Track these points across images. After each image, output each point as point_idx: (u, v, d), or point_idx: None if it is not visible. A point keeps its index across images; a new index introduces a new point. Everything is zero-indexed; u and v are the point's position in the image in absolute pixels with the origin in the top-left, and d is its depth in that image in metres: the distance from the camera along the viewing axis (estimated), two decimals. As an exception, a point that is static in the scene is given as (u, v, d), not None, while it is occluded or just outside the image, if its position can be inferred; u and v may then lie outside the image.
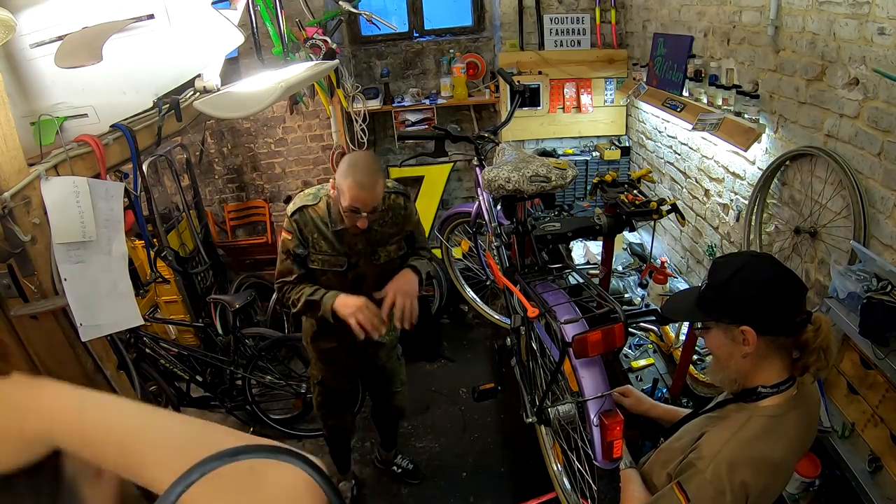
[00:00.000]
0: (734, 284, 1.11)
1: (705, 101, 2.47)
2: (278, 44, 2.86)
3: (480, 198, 2.64)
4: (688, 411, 1.49)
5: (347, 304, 1.89)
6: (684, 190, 2.97)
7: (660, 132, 3.23)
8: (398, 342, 2.47)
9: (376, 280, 2.06)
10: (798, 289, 1.11)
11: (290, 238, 1.99)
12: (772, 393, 1.13)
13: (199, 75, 1.72)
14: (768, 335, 1.10)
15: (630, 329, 2.51)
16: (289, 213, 1.99)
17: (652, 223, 2.42)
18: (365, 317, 1.85)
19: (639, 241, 3.43)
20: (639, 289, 2.92)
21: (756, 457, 1.08)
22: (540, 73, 3.66)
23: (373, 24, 3.35)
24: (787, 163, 2.04)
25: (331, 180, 1.92)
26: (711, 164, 2.64)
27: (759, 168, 2.22)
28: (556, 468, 2.23)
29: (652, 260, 3.06)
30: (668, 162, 3.14)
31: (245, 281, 3.94)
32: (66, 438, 0.54)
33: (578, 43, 3.67)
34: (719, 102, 2.35)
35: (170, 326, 3.45)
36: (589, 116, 3.77)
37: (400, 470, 2.86)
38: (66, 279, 1.29)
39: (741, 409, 1.17)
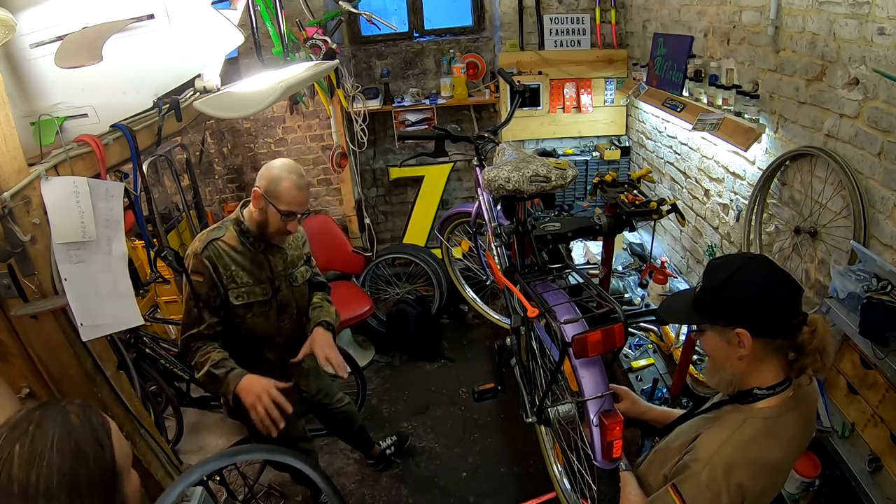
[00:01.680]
0: (729, 287, 1.11)
1: (705, 101, 2.47)
2: (278, 44, 2.86)
3: (480, 198, 2.64)
4: (684, 412, 1.49)
5: (251, 390, 1.74)
6: (684, 190, 2.97)
7: (660, 132, 3.23)
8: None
9: (298, 307, 2.06)
10: (794, 290, 1.10)
11: (201, 281, 1.81)
12: (768, 394, 1.13)
13: (199, 75, 1.72)
14: (764, 337, 1.09)
15: (630, 329, 2.52)
16: (197, 252, 1.81)
17: (652, 223, 2.42)
18: (265, 407, 1.73)
19: (639, 241, 3.43)
20: (639, 289, 2.92)
21: (753, 459, 1.08)
22: (540, 73, 3.66)
23: (373, 24, 3.35)
24: (787, 163, 2.04)
25: (253, 193, 1.82)
26: (711, 164, 2.64)
27: (759, 168, 2.22)
28: (556, 468, 2.23)
29: (652, 260, 3.06)
30: (668, 162, 3.14)
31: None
32: None
33: (578, 43, 3.68)
34: (719, 102, 2.35)
35: (170, 326, 3.45)
36: (589, 116, 3.77)
37: (391, 450, 2.87)
38: (66, 279, 1.29)
39: (737, 411, 1.16)
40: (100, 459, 0.71)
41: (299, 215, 1.85)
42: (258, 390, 1.75)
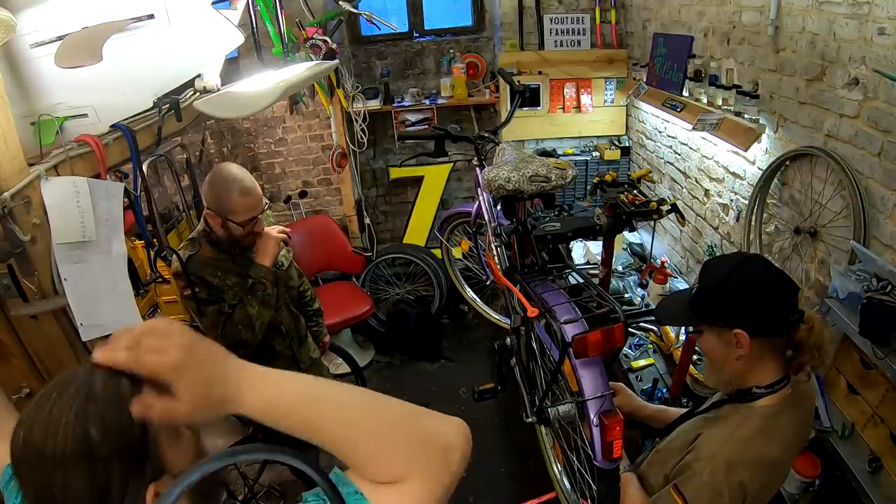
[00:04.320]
0: (726, 287, 1.11)
1: (705, 101, 2.47)
2: (278, 44, 2.86)
3: (480, 198, 2.64)
4: (678, 410, 1.49)
5: (265, 252, 1.87)
6: (684, 190, 2.97)
7: (660, 132, 3.23)
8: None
9: (290, 293, 2.08)
10: (790, 289, 1.10)
11: (190, 293, 1.80)
12: (766, 393, 1.13)
13: (199, 75, 1.72)
14: (762, 336, 1.09)
15: (630, 329, 2.52)
16: (179, 271, 1.80)
17: (652, 223, 2.42)
18: (275, 235, 1.91)
19: (639, 241, 3.43)
20: (639, 289, 2.92)
21: (753, 457, 1.08)
22: (540, 73, 3.66)
23: (373, 24, 3.35)
24: (787, 163, 2.04)
25: (207, 216, 1.81)
26: (711, 164, 2.63)
27: (759, 168, 2.22)
28: (556, 468, 2.23)
29: (652, 260, 3.06)
30: (668, 162, 3.14)
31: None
32: (251, 407, 0.66)
33: (578, 43, 3.67)
34: (719, 102, 2.34)
35: (170, 326, 3.44)
36: (589, 116, 3.77)
37: None
38: (66, 279, 1.29)
39: (736, 410, 1.17)
40: (120, 426, 0.70)
41: (260, 214, 1.83)
42: (265, 245, 1.88)
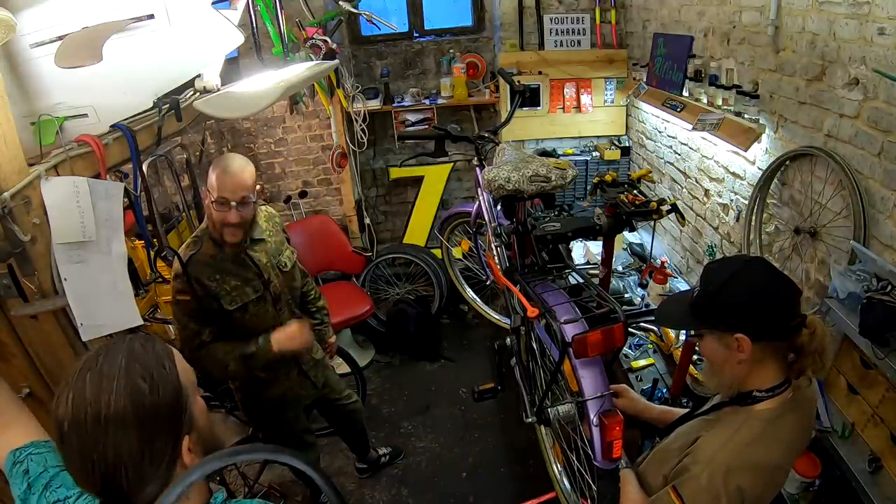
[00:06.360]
0: (727, 291, 1.10)
1: (705, 101, 2.47)
2: (278, 44, 2.86)
3: (480, 198, 2.64)
4: (683, 412, 1.49)
5: (289, 339, 1.92)
6: (684, 190, 2.97)
7: (660, 132, 3.23)
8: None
9: (293, 294, 2.10)
10: (791, 293, 1.10)
11: (188, 299, 1.80)
12: (767, 396, 1.12)
13: (199, 75, 1.72)
14: (763, 341, 1.09)
15: (630, 329, 2.52)
16: (178, 272, 1.79)
17: (652, 223, 2.42)
18: (308, 338, 1.99)
19: (639, 241, 3.43)
20: (639, 289, 2.92)
21: (752, 462, 1.08)
22: (540, 73, 3.66)
23: (373, 24, 3.35)
24: (787, 163, 2.04)
25: (203, 194, 1.83)
26: (711, 164, 2.64)
27: (759, 168, 2.22)
28: (556, 468, 2.24)
29: (652, 260, 3.06)
30: (668, 162, 3.14)
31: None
32: None
33: (578, 43, 3.67)
34: (719, 102, 2.35)
35: (170, 326, 3.44)
36: (589, 116, 3.77)
37: (386, 459, 2.91)
38: (66, 279, 1.29)
39: (736, 413, 1.16)
40: (163, 378, 0.79)
41: (234, 203, 1.73)
42: (294, 335, 1.95)
